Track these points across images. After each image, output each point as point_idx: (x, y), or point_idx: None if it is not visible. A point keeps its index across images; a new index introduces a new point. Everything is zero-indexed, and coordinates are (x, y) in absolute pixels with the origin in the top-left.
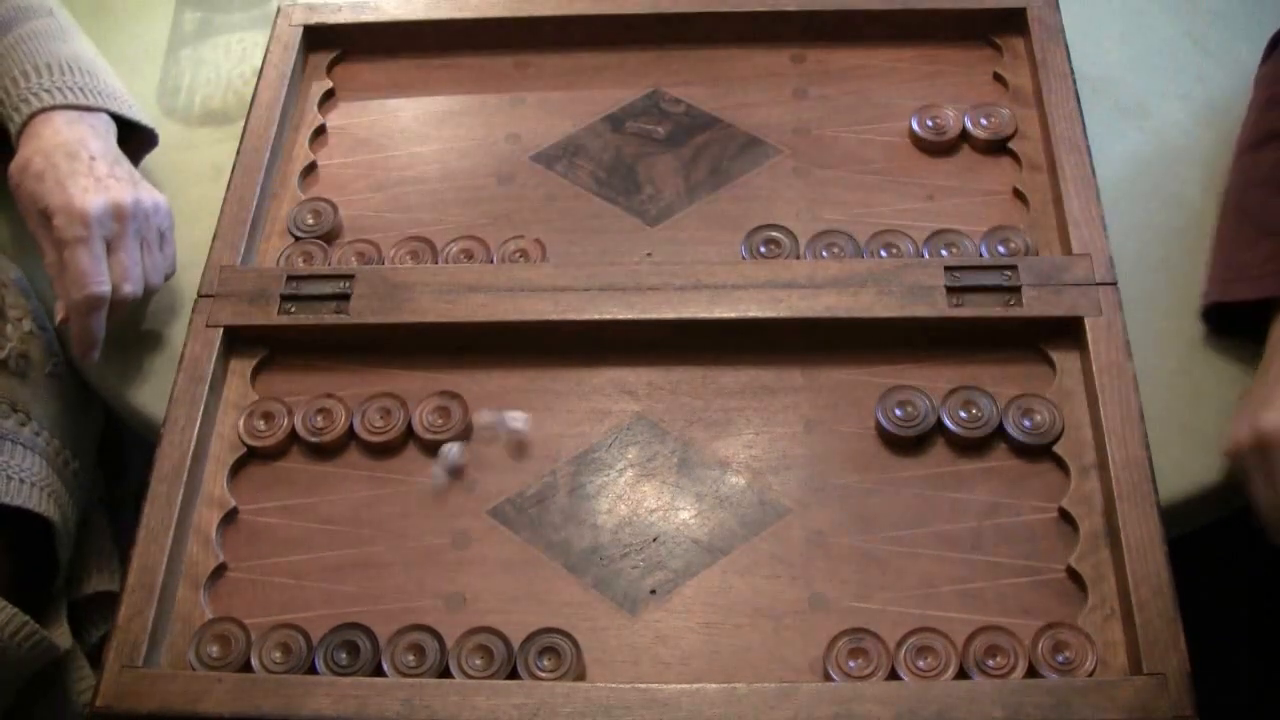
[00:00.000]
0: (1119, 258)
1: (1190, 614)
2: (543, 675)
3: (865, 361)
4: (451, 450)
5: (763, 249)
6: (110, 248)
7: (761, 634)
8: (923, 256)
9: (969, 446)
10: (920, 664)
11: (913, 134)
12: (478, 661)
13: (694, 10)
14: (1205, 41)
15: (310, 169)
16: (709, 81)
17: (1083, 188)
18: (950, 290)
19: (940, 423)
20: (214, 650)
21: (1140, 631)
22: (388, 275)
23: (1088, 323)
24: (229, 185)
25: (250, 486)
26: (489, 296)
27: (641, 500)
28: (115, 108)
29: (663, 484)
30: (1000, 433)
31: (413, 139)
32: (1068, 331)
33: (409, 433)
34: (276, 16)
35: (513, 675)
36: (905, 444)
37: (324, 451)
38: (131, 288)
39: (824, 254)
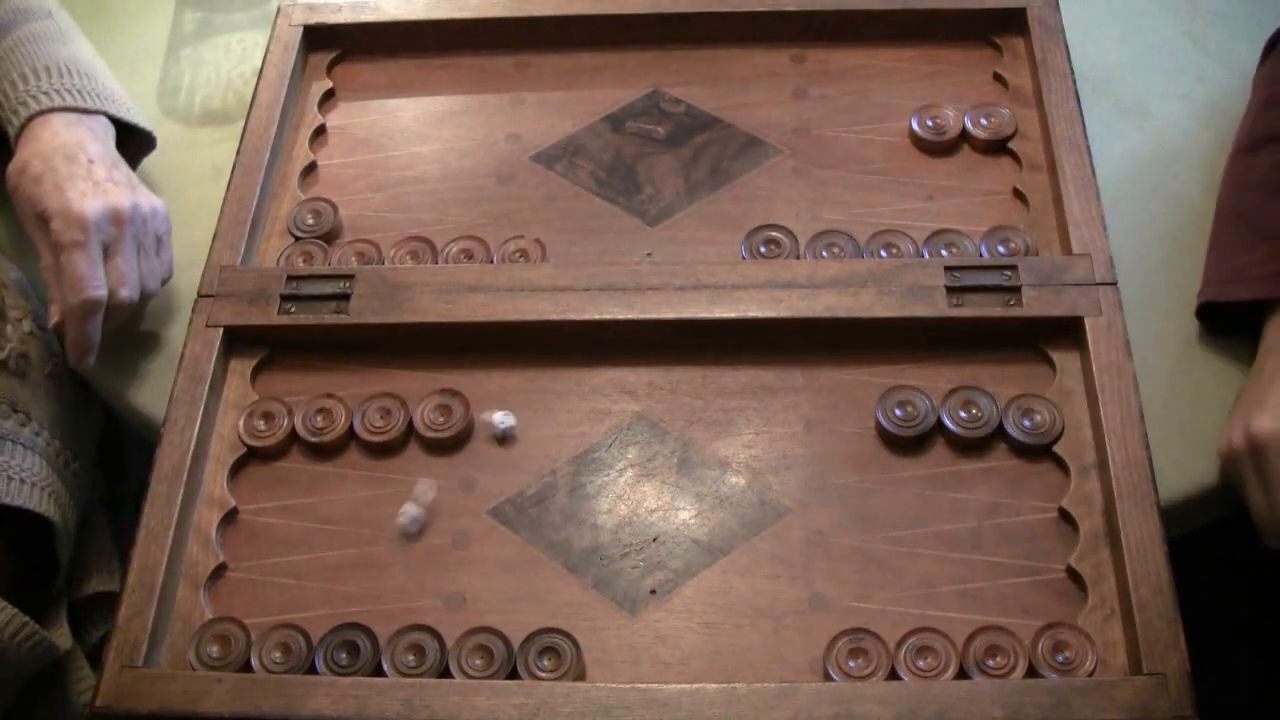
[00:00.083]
0: (1119, 258)
1: (1190, 614)
2: (543, 675)
3: (865, 361)
4: (425, 493)
5: (763, 249)
6: (107, 252)
7: (761, 634)
8: (923, 256)
9: (969, 446)
10: (920, 664)
11: (913, 134)
12: (478, 661)
13: (694, 10)
14: (1205, 41)
15: (310, 169)
16: (709, 81)
17: (1083, 188)
18: (950, 290)
19: (940, 423)
20: (214, 650)
21: (1140, 631)
22: (388, 275)
23: (1088, 323)
24: (229, 185)
25: (250, 486)
26: (489, 296)
27: (641, 500)
28: (114, 110)
29: (663, 484)
30: (1000, 433)
31: (413, 139)
32: (1068, 331)
33: (409, 432)
34: (276, 16)
35: (513, 675)
36: (905, 444)
37: (324, 451)
38: (128, 293)
39: (824, 254)
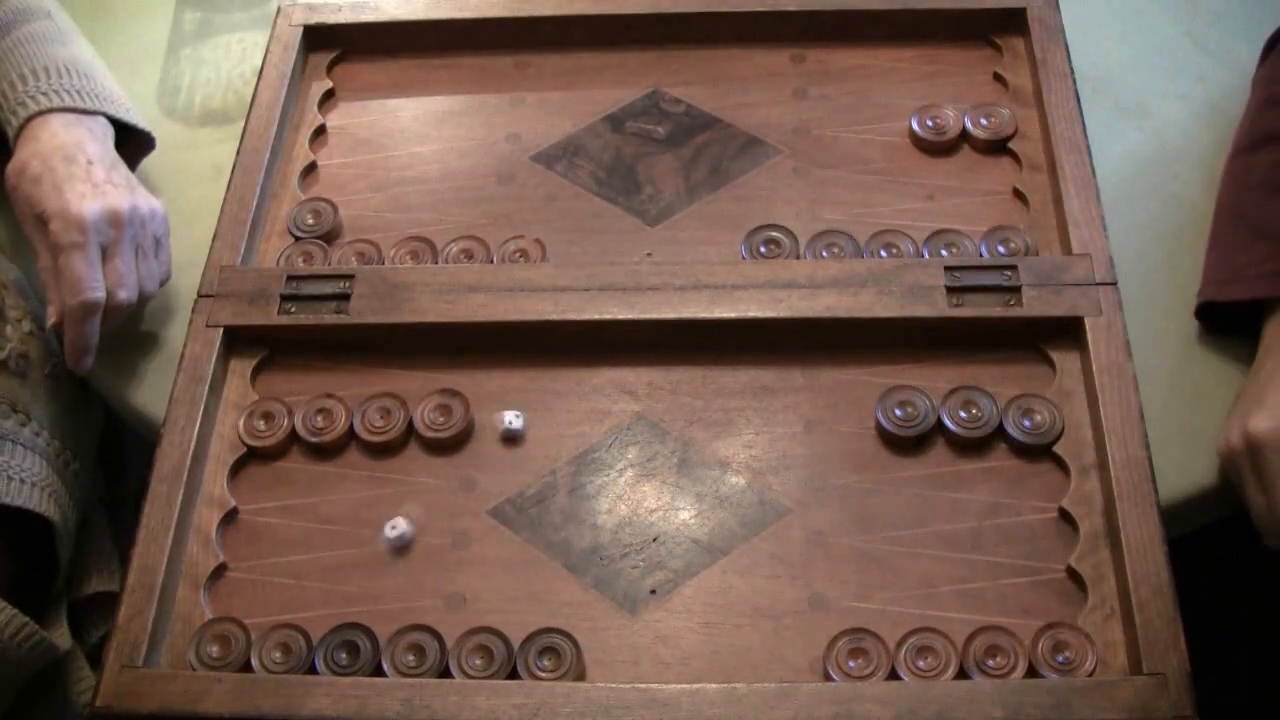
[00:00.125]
0: (1119, 258)
1: (1190, 614)
2: (543, 675)
3: (865, 361)
4: (399, 525)
5: (763, 249)
6: (106, 254)
7: (761, 634)
8: (923, 256)
9: (969, 446)
10: (920, 664)
11: (913, 134)
12: (478, 661)
13: (694, 10)
14: (1205, 41)
15: (310, 169)
16: (709, 81)
17: (1083, 188)
18: (950, 290)
19: (940, 423)
20: (214, 650)
21: (1140, 631)
22: (388, 275)
23: (1088, 323)
24: (229, 185)
25: (250, 486)
26: (489, 296)
27: (641, 500)
28: (113, 111)
29: (663, 484)
30: (1000, 433)
31: (413, 139)
32: (1068, 331)
33: (409, 432)
34: (276, 16)
35: (513, 675)
36: (905, 444)
37: (324, 451)
38: (126, 294)
39: (824, 254)
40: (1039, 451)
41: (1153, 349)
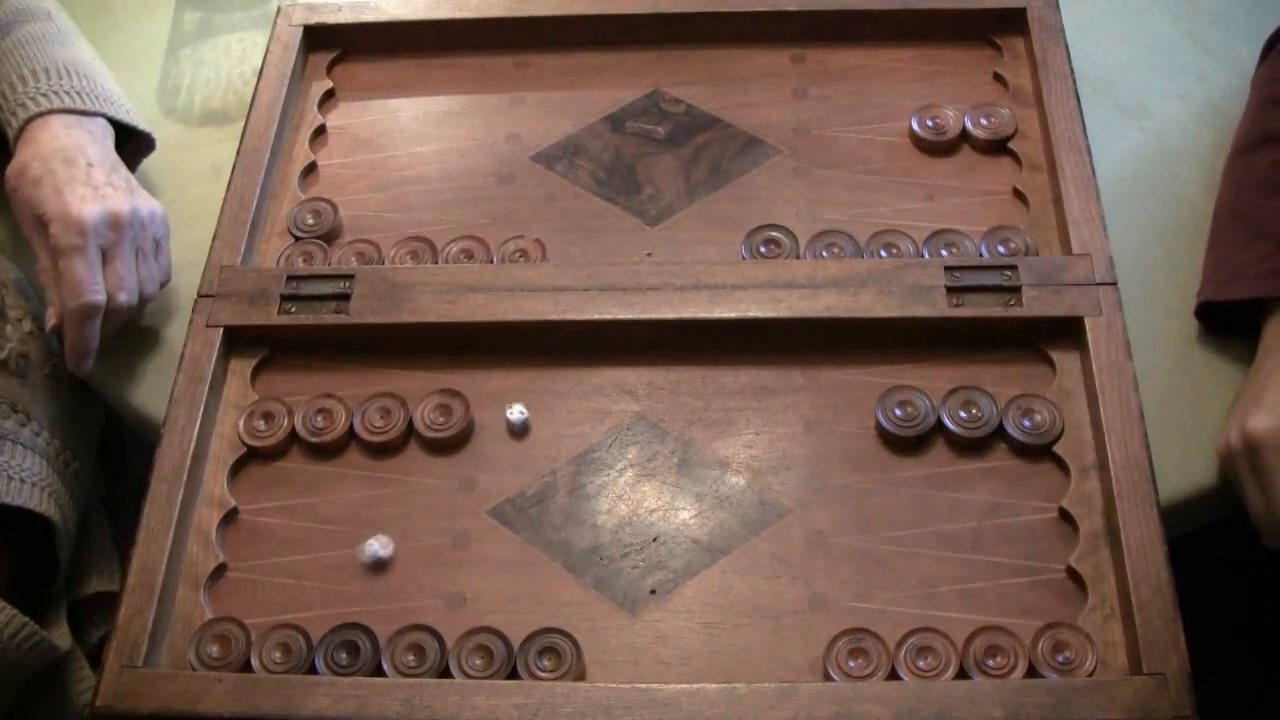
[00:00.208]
0: (1119, 258)
1: (1190, 614)
2: (543, 675)
3: (865, 361)
4: (374, 545)
5: (763, 249)
6: (106, 257)
7: (761, 634)
8: (923, 256)
9: (969, 446)
10: (920, 664)
11: (913, 134)
12: (478, 661)
13: (694, 10)
14: (1205, 41)
15: (310, 169)
16: (709, 81)
17: (1083, 188)
18: (950, 290)
19: (940, 423)
20: (214, 650)
21: (1140, 631)
22: (388, 275)
23: (1088, 323)
24: (229, 185)
25: (250, 486)
26: (489, 296)
27: (641, 500)
28: (113, 112)
29: (663, 484)
30: (1000, 433)
31: (413, 139)
32: (1068, 331)
33: (409, 432)
34: (276, 16)
35: (513, 675)
36: (905, 444)
37: (324, 451)
38: (127, 297)
39: (824, 254)
40: (1039, 451)
41: (1153, 349)
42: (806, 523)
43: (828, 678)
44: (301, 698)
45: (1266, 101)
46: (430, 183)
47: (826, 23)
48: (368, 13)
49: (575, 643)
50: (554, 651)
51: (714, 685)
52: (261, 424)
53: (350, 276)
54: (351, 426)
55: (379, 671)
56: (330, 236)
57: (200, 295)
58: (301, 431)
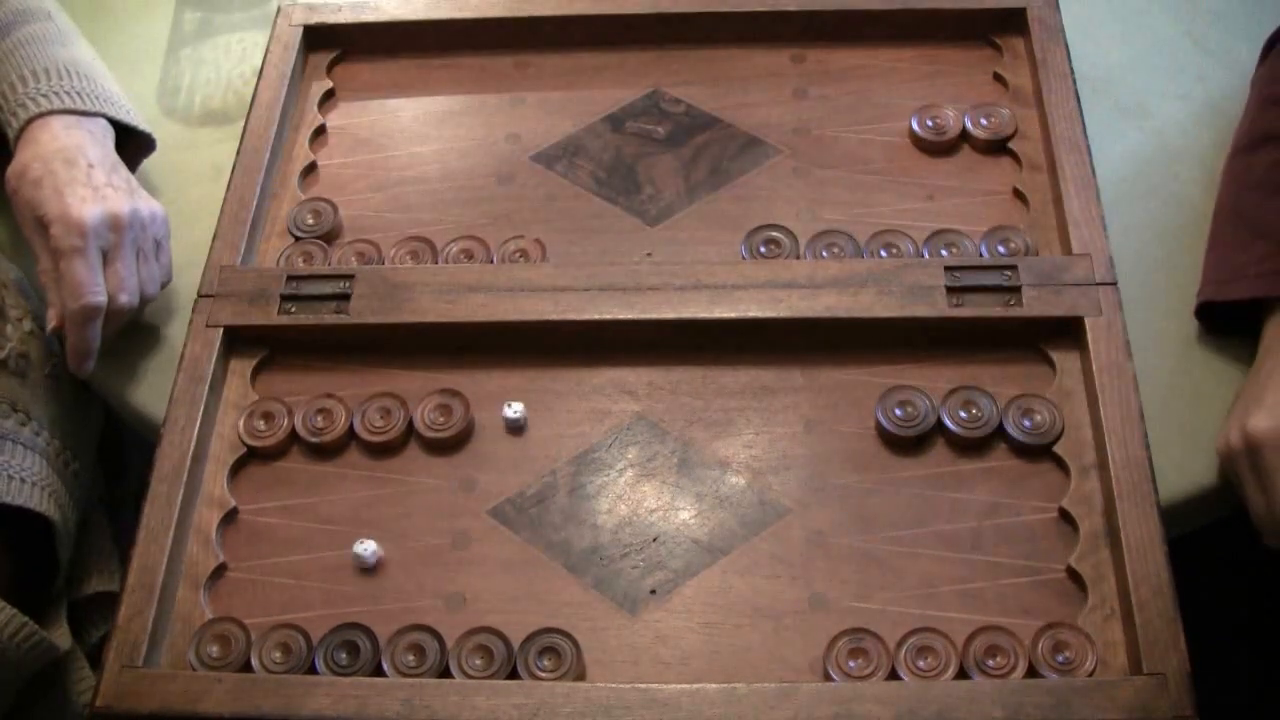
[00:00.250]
0: (1119, 258)
1: (1190, 614)
2: (543, 675)
3: (865, 361)
4: (366, 547)
5: (763, 249)
6: (107, 258)
7: (761, 634)
8: (923, 256)
9: (969, 446)
10: (920, 664)
11: (913, 134)
12: (478, 661)
13: (694, 10)
14: (1205, 41)
15: (310, 169)
16: (709, 81)
17: (1083, 188)
18: (950, 290)
19: (940, 423)
20: (214, 650)
21: (1140, 631)
22: (388, 275)
23: (1088, 323)
24: (229, 185)
25: (250, 486)
26: (489, 296)
27: (641, 500)
28: (113, 113)
29: (663, 484)
30: (1000, 433)
31: (413, 139)
32: (1068, 331)
33: (409, 432)
34: (276, 16)
35: (513, 675)
36: (905, 444)
37: (324, 451)
38: (127, 298)
39: (824, 254)
40: (1039, 451)
41: (1153, 349)
42: (806, 523)
43: (828, 678)
44: (301, 698)
45: (1266, 101)
46: (430, 183)
47: (826, 23)
48: (368, 13)
49: (575, 643)
50: (554, 651)
51: (714, 685)
52: (261, 424)
53: (350, 276)
54: (351, 426)
55: (379, 671)
56: (330, 236)
57: (200, 295)
58: (301, 431)
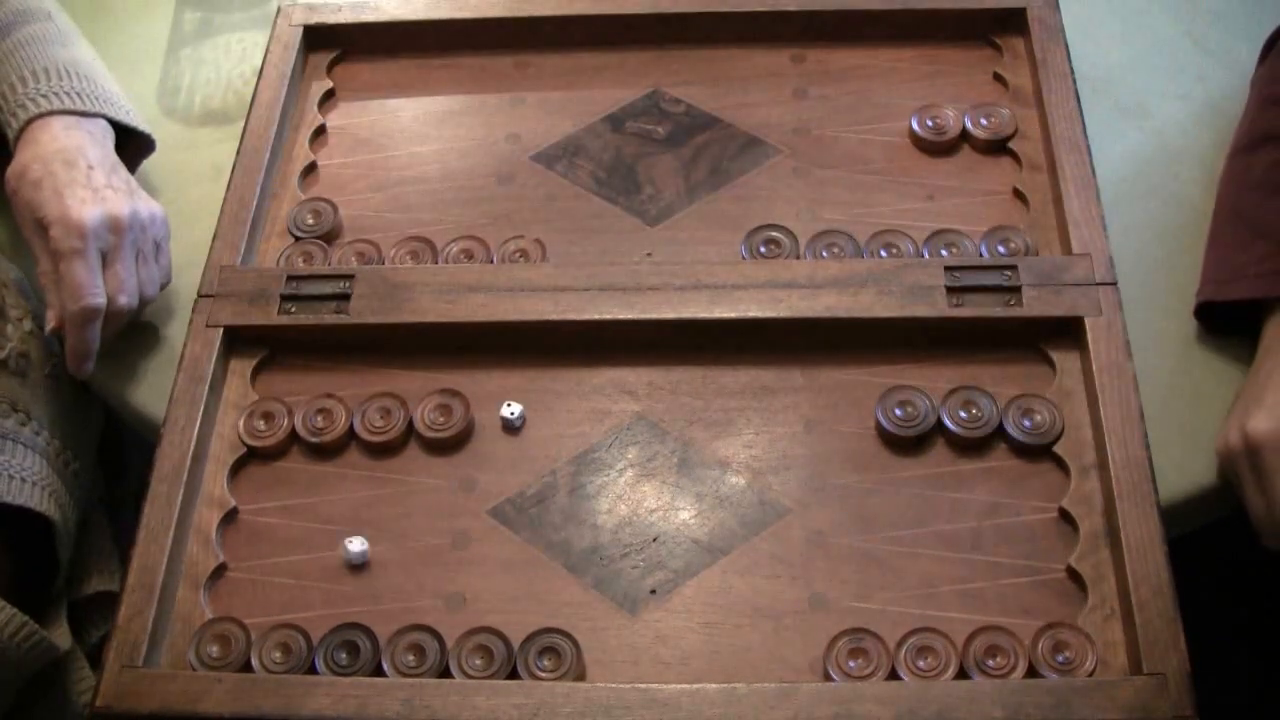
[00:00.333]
0: (1119, 258)
1: (1190, 614)
2: (543, 675)
3: (865, 361)
4: (354, 544)
5: (763, 249)
6: (106, 260)
7: (761, 634)
8: (923, 256)
9: (969, 446)
10: (920, 664)
11: (913, 134)
12: (478, 661)
13: (694, 10)
14: (1205, 41)
15: (310, 169)
16: (709, 81)
17: (1083, 188)
18: (950, 290)
19: (940, 423)
20: (214, 650)
21: (1140, 631)
22: (388, 275)
23: (1088, 323)
24: (229, 185)
25: (250, 486)
26: (489, 296)
27: (641, 500)
28: (113, 113)
29: (663, 484)
30: (1000, 433)
31: (413, 139)
32: (1068, 331)
33: (409, 432)
34: (276, 16)
35: (513, 675)
36: (905, 444)
37: (324, 451)
38: (127, 300)
39: (824, 254)
40: (1039, 451)
41: (1153, 349)
42: (806, 523)
43: (828, 678)
44: (301, 698)
45: (1266, 101)
46: (430, 183)
47: (826, 23)
48: (368, 13)
49: (575, 643)
50: (554, 651)
51: (714, 685)
52: (261, 424)
53: (350, 276)
54: (351, 426)
55: (379, 671)
56: (330, 236)
57: (200, 295)
58: (301, 431)
